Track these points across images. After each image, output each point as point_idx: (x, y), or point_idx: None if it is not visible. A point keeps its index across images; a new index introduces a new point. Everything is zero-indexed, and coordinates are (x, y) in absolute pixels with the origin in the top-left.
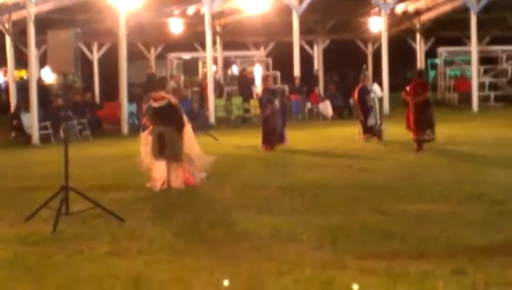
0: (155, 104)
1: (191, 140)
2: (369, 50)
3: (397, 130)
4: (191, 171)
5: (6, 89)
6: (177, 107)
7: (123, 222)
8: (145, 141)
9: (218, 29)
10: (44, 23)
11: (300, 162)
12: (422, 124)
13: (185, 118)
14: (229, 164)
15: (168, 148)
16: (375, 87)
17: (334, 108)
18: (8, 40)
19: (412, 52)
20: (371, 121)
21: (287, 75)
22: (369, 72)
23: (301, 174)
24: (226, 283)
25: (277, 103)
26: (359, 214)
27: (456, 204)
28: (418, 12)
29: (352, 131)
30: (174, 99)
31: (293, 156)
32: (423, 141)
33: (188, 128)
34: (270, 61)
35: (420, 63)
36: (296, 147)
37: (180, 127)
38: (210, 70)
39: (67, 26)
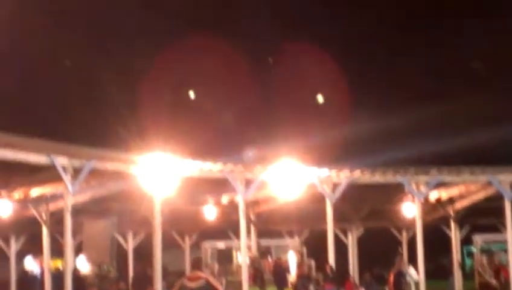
0: (191, 285)
1: None
2: (404, 237)
3: None
4: None
5: (41, 279)
6: (217, 287)
7: None
8: None
9: (252, 217)
10: (80, 213)
11: None
12: None
13: None
14: None
15: None
16: (411, 270)
17: None
18: (44, 230)
19: (447, 240)
20: None
21: (322, 264)
22: (405, 257)
23: None
24: None
25: (312, 289)
26: None
27: None
28: (451, 200)
29: None
30: (212, 278)
31: None
32: None
33: None
34: (304, 249)
35: (456, 250)
36: None
37: None
38: (244, 259)
39: (102, 216)
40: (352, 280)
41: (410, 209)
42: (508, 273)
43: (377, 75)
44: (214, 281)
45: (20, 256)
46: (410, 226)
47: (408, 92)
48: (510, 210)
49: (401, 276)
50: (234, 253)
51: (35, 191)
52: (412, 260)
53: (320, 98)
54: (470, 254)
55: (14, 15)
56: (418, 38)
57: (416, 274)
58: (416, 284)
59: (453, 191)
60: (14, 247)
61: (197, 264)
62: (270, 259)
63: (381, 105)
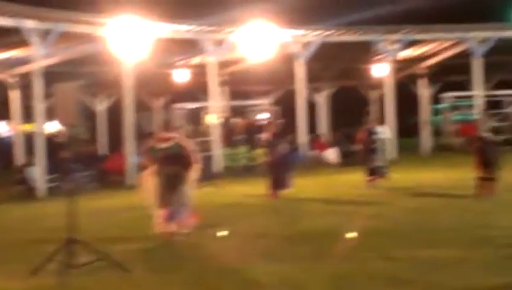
0: (162, 145)
1: (193, 181)
2: (374, 96)
3: (403, 176)
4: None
5: (12, 143)
6: (187, 147)
7: (129, 273)
8: (146, 181)
9: (223, 78)
10: (50, 77)
11: (307, 210)
12: (479, 163)
13: (197, 156)
14: (235, 213)
15: (177, 190)
16: (385, 128)
17: (341, 154)
18: (14, 94)
19: (416, 98)
20: (375, 162)
21: (294, 123)
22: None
23: (307, 222)
24: None
25: (284, 147)
26: (367, 261)
27: (464, 249)
28: (422, 58)
29: (357, 177)
30: (183, 139)
31: (299, 204)
32: (481, 180)
33: (195, 167)
34: (277, 109)
35: (425, 108)
36: (302, 195)
37: (187, 165)
38: (214, 120)
39: (73, 79)
40: (323, 138)
41: (380, 69)
42: (469, 130)
43: None
44: (185, 141)
45: None
46: (380, 85)
47: None
48: (480, 67)
49: (370, 134)
50: (205, 114)
51: (1, 55)
52: (382, 119)
53: None
54: (439, 112)
55: None
56: None
57: (389, 132)
58: (387, 141)
59: (424, 49)
60: None
61: (166, 125)
62: (245, 119)
63: None
